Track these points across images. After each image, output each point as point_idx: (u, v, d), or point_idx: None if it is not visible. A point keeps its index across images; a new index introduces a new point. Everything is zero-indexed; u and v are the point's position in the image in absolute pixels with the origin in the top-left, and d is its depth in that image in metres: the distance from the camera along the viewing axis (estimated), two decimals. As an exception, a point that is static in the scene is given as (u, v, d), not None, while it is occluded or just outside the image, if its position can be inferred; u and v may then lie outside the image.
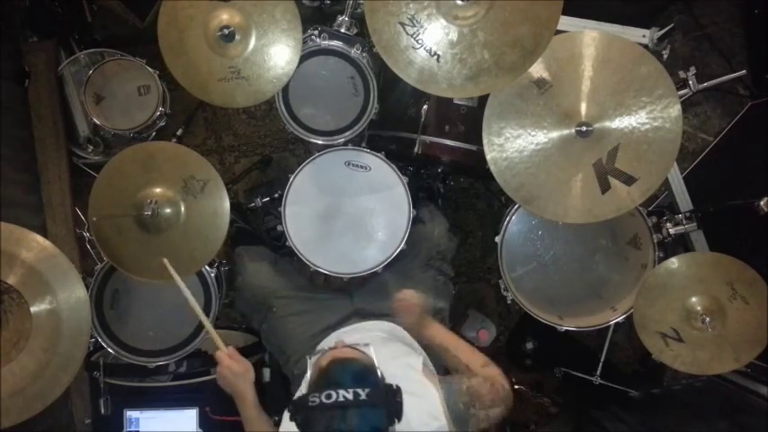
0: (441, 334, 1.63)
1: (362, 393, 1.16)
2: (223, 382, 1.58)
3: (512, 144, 1.65)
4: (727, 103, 2.60)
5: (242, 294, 1.95)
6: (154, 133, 2.39)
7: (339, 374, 1.19)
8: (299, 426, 1.22)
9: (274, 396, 1.64)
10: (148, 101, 2.31)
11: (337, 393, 1.15)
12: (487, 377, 1.46)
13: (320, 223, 1.91)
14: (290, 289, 1.93)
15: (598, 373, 2.08)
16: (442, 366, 1.66)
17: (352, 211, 1.92)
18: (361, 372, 1.21)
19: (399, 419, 1.21)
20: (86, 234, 1.82)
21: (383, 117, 1.99)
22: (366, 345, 1.36)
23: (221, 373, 1.57)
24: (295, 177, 1.90)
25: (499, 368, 1.51)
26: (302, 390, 1.37)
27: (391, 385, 1.24)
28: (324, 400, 1.16)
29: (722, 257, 1.78)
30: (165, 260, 1.66)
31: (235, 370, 1.55)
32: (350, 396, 1.15)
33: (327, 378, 1.20)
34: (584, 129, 1.62)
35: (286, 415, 1.45)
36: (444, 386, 1.42)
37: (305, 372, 1.72)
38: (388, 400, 1.20)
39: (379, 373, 1.27)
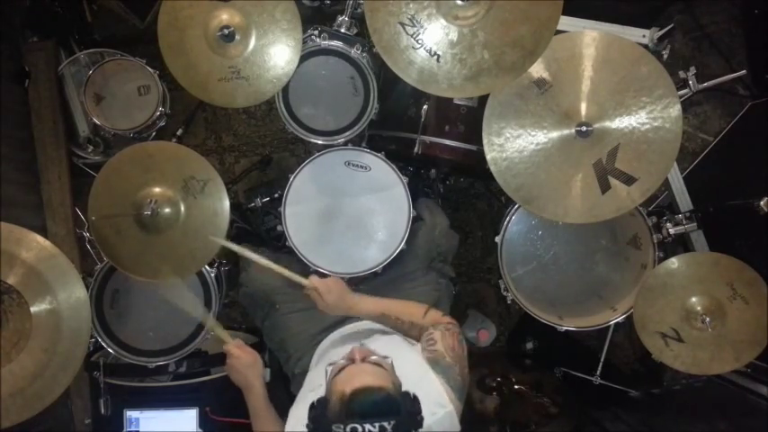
0: (371, 304, 1.62)
1: (388, 427, 1.13)
2: (233, 373, 1.60)
3: (512, 144, 1.65)
4: (727, 103, 2.59)
5: (246, 290, 1.94)
6: (154, 133, 2.39)
7: (363, 406, 1.16)
8: None
9: (275, 396, 1.64)
10: (148, 101, 2.30)
11: (363, 428, 1.13)
12: (435, 323, 1.52)
13: (320, 223, 1.91)
14: (293, 286, 1.92)
15: (598, 373, 2.08)
16: None
17: (352, 211, 1.92)
18: (385, 402, 1.17)
19: (419, 430, 1.20)
20: (86, 234, 1.82)
21: (383, 117, 1.99)
22: (385, 357, 1.32)
23: (231, 365, 1.60)
24: (295, 177, 1.90)
25: (430, 307, 1.60)
26: (308, 399, 1.33)
27: (408, 395, 1.23)
28: None
29: (722, 257, 1.78)
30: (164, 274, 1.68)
31: (244, 360, 1.59)
32: (376, 431, 1.13)
33: (351, 410, 1.16)
34: (584, 129, 1.62)
35: (291, 415, 1.45)
36: (437, 368, 1.42)
37: (305, 371, 1.74)
38: (411, 422, 1.19)
39: (398, 389, 1.25)
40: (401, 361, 1.40)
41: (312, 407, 1.24)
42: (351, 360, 1.30)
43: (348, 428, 1.13)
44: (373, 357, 1.30)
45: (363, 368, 1.27)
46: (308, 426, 1.22)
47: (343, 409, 1.17)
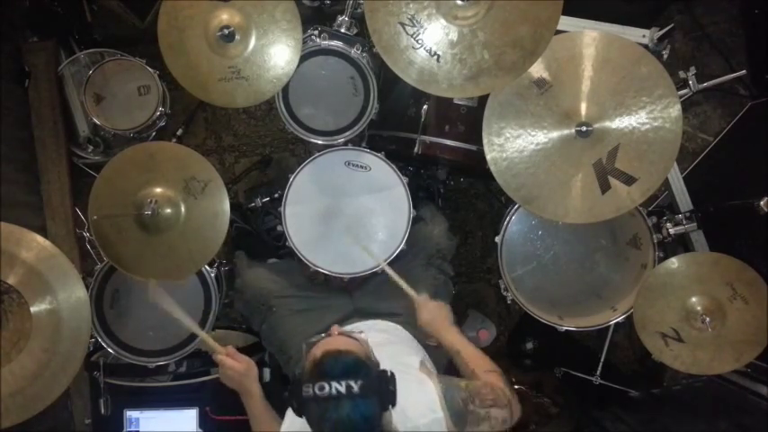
0: (454, 338, 1.63)
1: (355, 386, 1.17)
2: (228, 382, 1.60)
3: (512, 144, 1.65)
4: (727, 103, 2.59)
5: (242, 296, 1.95)
6: (154, 133, 2.39)
7: (332, 366, 1.20)
8: (295, 411, 1.24)
9: (275, 396, 1.64)
10: (148, 101, 2.31)
11: (330, 386, 1.16)
12: (487, 383, 1.47)
13: (320, 223, 1.91)
14: (290, 289, 1.93)
15: (598, 373, 2.08)
16: (443, 366, 1.67)
17: (352, 212, 1.92)
18: (353, 364, 1.21)
19: (393, 405, 1.22)
20: (86, 234, 1.82)
21: (383, 117, 1.99)
22: (360, 332, 1.37)
23: (224, 374, 1.60)
24: (295, 177, 1.90)
25: (504, 378, 1.52)
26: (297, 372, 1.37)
27: (385, 371, 1.25)
28: (317, 391, 1.17)
29: (722, 257, 1.78)
30: (153, 285, 1.68)
31: (237, 369, 1.59)
32: (342, 389, 1.16)
33: (320, 369, 1.20)
34: (584, 129, 1.62)
35: (288, 413, 1.46)
36: (443, 382, 1.43)
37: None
38: (381, 389, 1.21)
39: (372, 361, 1.28)
40: (394, 357, 1.41)
41: (292, 382, 1.27)
42: (328, 335, 1.35)
43: (316, 387, 1.17)
44: (351, 333, 1.36)
45: (337, 338, 1.33)
46: (286, 398, 1.25)
47: (314, 370, 1.21)
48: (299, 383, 1.21)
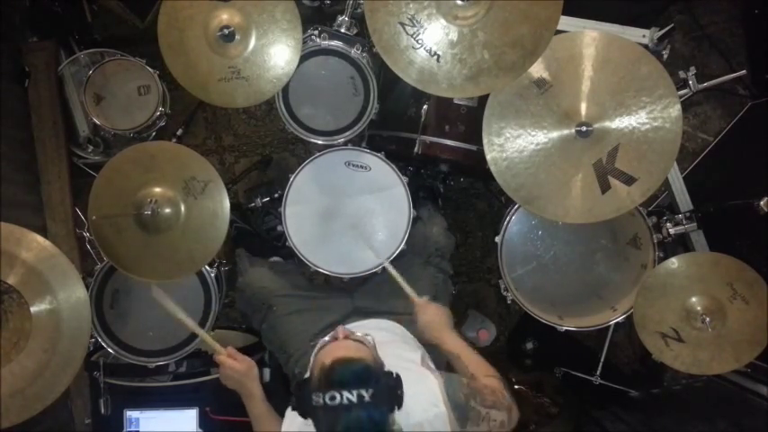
0: (454, 342, 1.63)
1: (366, 395, 1.16)
2: (229, 382, 1.60)
3: (512, 144, 1.65)
4: (727, 103, 2.60)
5: (243, 294, 1.95)
6: (154, 133, 2.39)
7: (342, 375, 1.19)
8: (301, 415, 1.23)
9: (275, 396, 1.65)
10: (148, 101, 2.31)
11: (341, 395, 1.16)
12: (488, 385, 1.47)
13: (320, 223, 1.91)
14: (290, 288, 1.93)
15: (598, 373, 2.08)
16: (443, 364, 1.67)
17: (352, 212, 1.92)
18: (363, 372, 1.21)
19: (400, 408, 1.22)
20: (86, 234, 1.82)
21: (383, 117, 1.99)
22: (366, 335, 1.37)
23: (225, 375, 1.60)
24: (295, 177, 1.90)
25: (503, 383, 1.51)
26: (303, 375, 1.37)
27: (391, 374, 1.25)
28: (327, 401, 1.16)
29: (722, 257, 1.78)
30: (155, 286, 1.68)
31: (238, 369, 1.59)
32: (354, 398, 1.16)
33: (330, 378, 1.20)
34: (584, 129, 1.62)
35: (288, 414, 1.46)
36: (444, 377, 1.43)
37: (306, 371, 1.73)
38: (390, 395, 1.21)
39: (379, 365, 1.28)
40: (395, 353, 1.41)
41: (297, 386, 1.27)
42: (334, 338, 1.34)
43: (327, 396, 1.16)
44: (356, 334, 1.35)
45: (345, 343, 1.32)
46: (292, 403, 1.25)
47: (323, 378, 1.21)
48: (307, 389, 1.21)
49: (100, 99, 2.30)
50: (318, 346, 1.34)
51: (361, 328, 1.74)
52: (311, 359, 1.34)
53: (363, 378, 1.19)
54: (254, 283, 1.93)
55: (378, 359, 1.31)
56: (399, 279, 1.74)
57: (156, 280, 1.74)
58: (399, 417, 1.27)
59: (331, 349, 1.29)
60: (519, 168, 1.65)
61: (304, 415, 1.23)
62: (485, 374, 1.52)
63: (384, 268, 1.83)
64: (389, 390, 1.22)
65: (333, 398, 1.16)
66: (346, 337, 1.34)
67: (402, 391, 1.23)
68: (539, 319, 1.92)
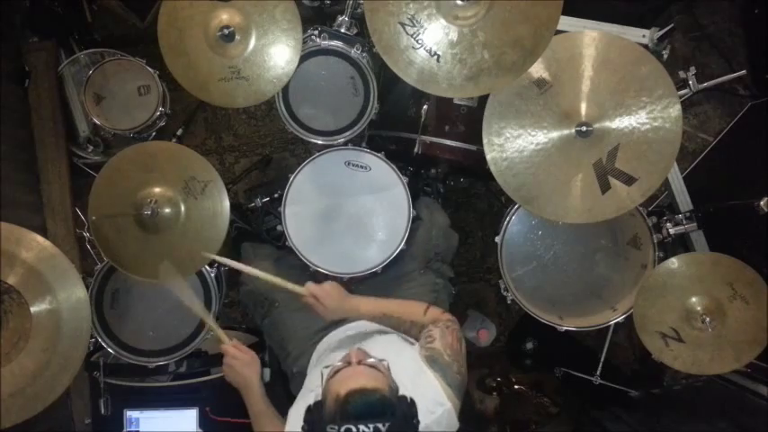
0: (371, 305, 1.62)
1: (383, 429, 1.13)
2: (230, 373, 1.61)
3: (512, 144, 1.65)
4: (727, 103, 2.60)
5: (246, 287, 1.95)
6: (154, 133, 2.39)
7: (358, 408, 1.16)
8: None
9: (275, 396, 1.65)
10: (148, 101, 2.30)
11: (357, 429, 1.13)
12: (434, 320, 1.52)
13: (320, 223, 1.91)
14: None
15: (598, 373, 2.08)
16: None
17: (352, 211, 1.92)
18: (379, 404, 1.17)
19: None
20: (86, 234, 1.82)
21: (383, 117, 1.99)
22: (382, 360, 1.32)
23: (228, 363, 1.60)
24: (295, 177, 1.90)
25: (430, 304, 1.60)
26: (307, 399, 1.35)
27: (405, 399, 1.23)
28: None
29: (722, 257, 1.78)
30: (164, 264, 1.67)
31: (241, 359, 1.59)
32: None
33: (346, 411, 1.16)
34: (584, 129, 1.62)
35: (291, 415, 1.45)
36: (436, 367, 1.43)
37: (304, 371, 1.73)
38: (407, 425, 1.19)
39: (394, 392, 1.25)
40: (399, 360, 1.40)
41: (308, 410, 1.24)
42: (347, 363, 1.30)
43: (342, 429, 1.13)
44: (370, 360, 1.30)
45: (359, 370, 1.27)
46: (303, 428, 1.23)
47: (338, 410, 1.17)
48: (321, 419, 1.18)
49: (100, 99, 2.30)
50: (331, 370, 1.30)
51: (361, 328, 1.75)
52: (322, 383, 1.30)
53: (380, 411, 1.16)
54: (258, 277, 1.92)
55: (393, 385, 1.27)
56: (269, 278, 1.64)
57: (155, 280, 1.74)
58: None
59: (345, 378, 1.24)
60: (519, 168, 1.65)
61: None
62: (423, 314, 1.58)
63: (386, 267, 1.82)
64: (405, 419, 1.19)
65: (348, 431, 1.13)
66: (360, 362, 1.29)
67: (418, 419, 1.21)
68: (539, 319, 1.92)
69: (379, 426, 1.13)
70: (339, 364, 1.30)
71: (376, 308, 1.64)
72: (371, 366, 1.29)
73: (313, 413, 1.22)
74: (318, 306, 1.60)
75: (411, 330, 1.61)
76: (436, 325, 1.54)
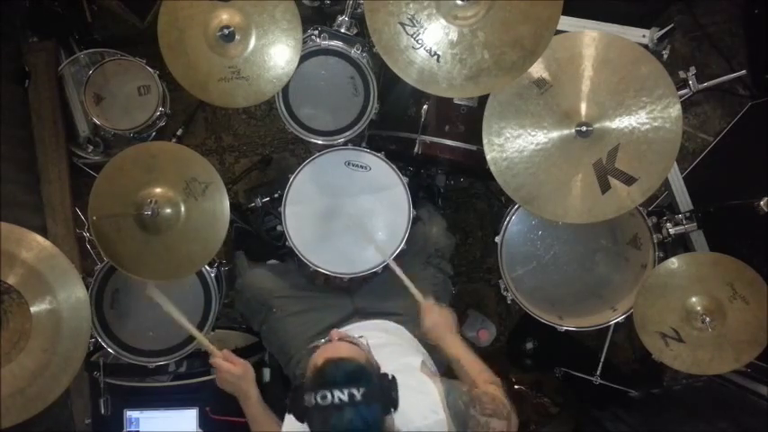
0: (456, 346, 1.62)
1: (357, 394, 1.16)
2: (224, 384, 1.60)
3: (512, 144, 1.65)
4: (727, 103, 2.60)
5: (241, 296, 1.95)
6: (154, 133, 2.39)
7: (333, 374, 1.19)
8: (297, 418, 1.23)
9: (275, 396, 1.65)
10: (148, 101, 2.31)
11: (332, 394, 1.16)
12: (488, 393, 1.46)
13: (320, 223, 1.91)
14: (290, 289, 1.93)
15: (598, 373, 2.08)
16: (443, 365, 1.66)
17: (352, 211, 1.92)
18: (355, 371, 1.21)
19: (396, 409, 1.22)
20: (86, 234, 1.82)
21: (383, 117, 1.99)
22: (360, 336, 1.37)
23: (221, 378, 1.59)
24: (295, 177, 1.90)
25: (504, 390, 1.50)
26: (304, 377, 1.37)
27: (386, 375, 1.26)
28: (319, 401, 1.16)
29: (722, 257, 1.78)
30: (151, 284, 1.68)
31: (233, 372, 1.58)
32: (345, 397, 1.16)
33: (322, 378, 1.20)
34: (584, 129, 1.62)
35: (287, 418, 1.45)
36: (445, 384, 1.43)
37: (306, 372, 1.74)
38: (383, 395, 1.21)
39: (373, 366, 1.28)
40: (394, 362, 1.41)
41: (293, 390, 1.27)
42: (329, 341, 1.35)
43: (318, 396, 1.16)
44: (350, 336, 1.36)
45: (338, 344, 1.32)
46: (287, 406, 1.26)
47: (315, 378, 1.21)
48: (301, 391, 1.21)
49: (100, 99, 2.30)
50: (312, 349, 1.34)
51: (361, 329, 1.75)
52: (305, 361, 1.35)
53: (355, 377, 1.19)
54: (253, 285, 1.92)
55: (372, 361, 1.31)
56: (404, 278, 1.73)
57: (156, 280, 1.74)
58: (398, 423, 1.27)
59: (324, 350, 1.29)
60: (519, 168, 1.65)
61: (299, 418, 1.23)
62: (485, 381, 1.51)
63: (387, 267, 1.83)
64: (383, 390, 1.22)
65: (324, 397, 1.16)
66: (341, 339, 1.35)
67: (397, 393, 1.23)
68: (539, 319, 1.92)
69: (354, 391, 1.16)
70: (321, 341, 1.35)
71: (459, 351, 1.60)
72: (351, 342, 1.33)
73: (296, 391, 1.24)
74: (427, 316, 1.66)
75: (462, 377, 1.57)
76: (487, 394, 1.45)
